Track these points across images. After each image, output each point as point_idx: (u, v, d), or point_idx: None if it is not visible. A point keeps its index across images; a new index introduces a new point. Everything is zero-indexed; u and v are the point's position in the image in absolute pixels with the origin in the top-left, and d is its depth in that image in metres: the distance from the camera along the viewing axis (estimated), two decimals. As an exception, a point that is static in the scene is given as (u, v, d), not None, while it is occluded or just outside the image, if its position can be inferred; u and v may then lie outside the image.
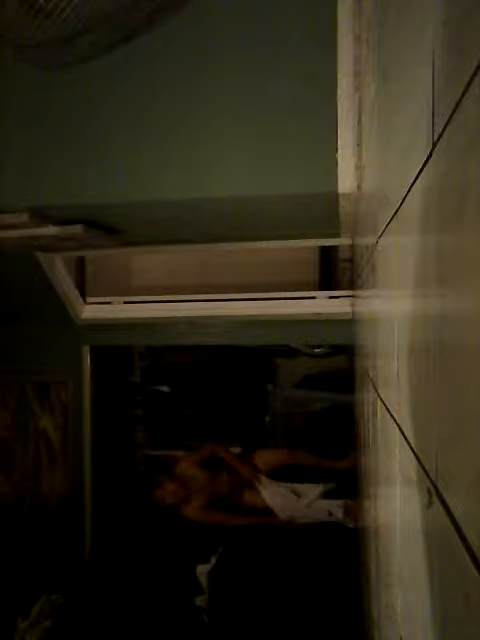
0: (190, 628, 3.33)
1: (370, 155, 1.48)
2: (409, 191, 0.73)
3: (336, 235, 2.90)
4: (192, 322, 3.63)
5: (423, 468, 0.66)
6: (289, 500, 3.49)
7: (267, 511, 3.52)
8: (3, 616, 3.37)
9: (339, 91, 2.02)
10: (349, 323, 3.23)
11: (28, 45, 1.97)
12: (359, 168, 1.96)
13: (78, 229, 2.51)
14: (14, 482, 4.07)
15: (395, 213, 0.87)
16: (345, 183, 2.04)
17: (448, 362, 0.53)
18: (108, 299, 3.75)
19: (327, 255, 4.11)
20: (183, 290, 3.77)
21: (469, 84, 0.44)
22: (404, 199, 0.77)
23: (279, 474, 3.58)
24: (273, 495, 3.51)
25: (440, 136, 0.55)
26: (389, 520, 1.09)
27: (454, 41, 0.50)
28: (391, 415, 0.99)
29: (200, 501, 3.50)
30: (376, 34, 1.27)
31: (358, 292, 2.48)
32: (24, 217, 2.33)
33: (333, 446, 3.68)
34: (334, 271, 4.13)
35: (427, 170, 0.62)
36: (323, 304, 3.48)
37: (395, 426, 0.91)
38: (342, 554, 3.17)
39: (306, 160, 2.08)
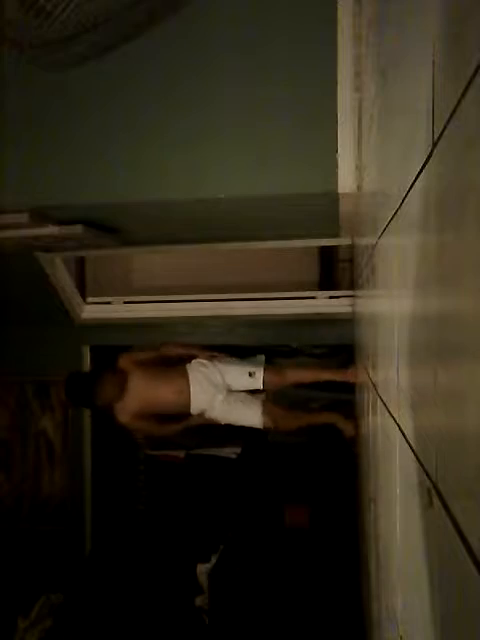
0: (190, 628, 3.33)
1: (370, 155, 1.48)
2: (409, 191, 0.73)
3: (336, 235, 2.90)
4: (192, 322, 3.63)
5: (423, 468, 0.66)
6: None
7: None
8: (3, 616, 3.37)
9: (339, 91, 2.02)
10: (349, 323, 3.23)
11: (28, 45, 1.97)
12: (359, 168, 1.96)
13: (78, 229, 2.51)
14: (14, 482, 4.07)
15: (395, 213, 0.87)
16: (345, 183, 2.04)
17: (448, 362, 0.53)
18: (108, 299, 3.75)
19: (327, 255, 4.11)
20: (183, 290, 3.77)
21: (469, 84, 0.44)
22: (404, 199, 0.77)
23: None
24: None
25: (440, 136, 0.55)
26: (390, 520, 1.09)
27: (454, 41, 0.50)
28: (391, 415, 0.99)
29: (132, 405, 3.16)
30: (376, 33, 1.27)
31: (358, 292, 2.48)
32: (24, 217, 2.33)
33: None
34: (334, 271, 4.13)
35: (427, 170, 0.62)
36: (323, 304, 3.48)
37: (395, 426, 0.91)
38: (339, 550, 3.17)
39: (306, 160, 2.08)
